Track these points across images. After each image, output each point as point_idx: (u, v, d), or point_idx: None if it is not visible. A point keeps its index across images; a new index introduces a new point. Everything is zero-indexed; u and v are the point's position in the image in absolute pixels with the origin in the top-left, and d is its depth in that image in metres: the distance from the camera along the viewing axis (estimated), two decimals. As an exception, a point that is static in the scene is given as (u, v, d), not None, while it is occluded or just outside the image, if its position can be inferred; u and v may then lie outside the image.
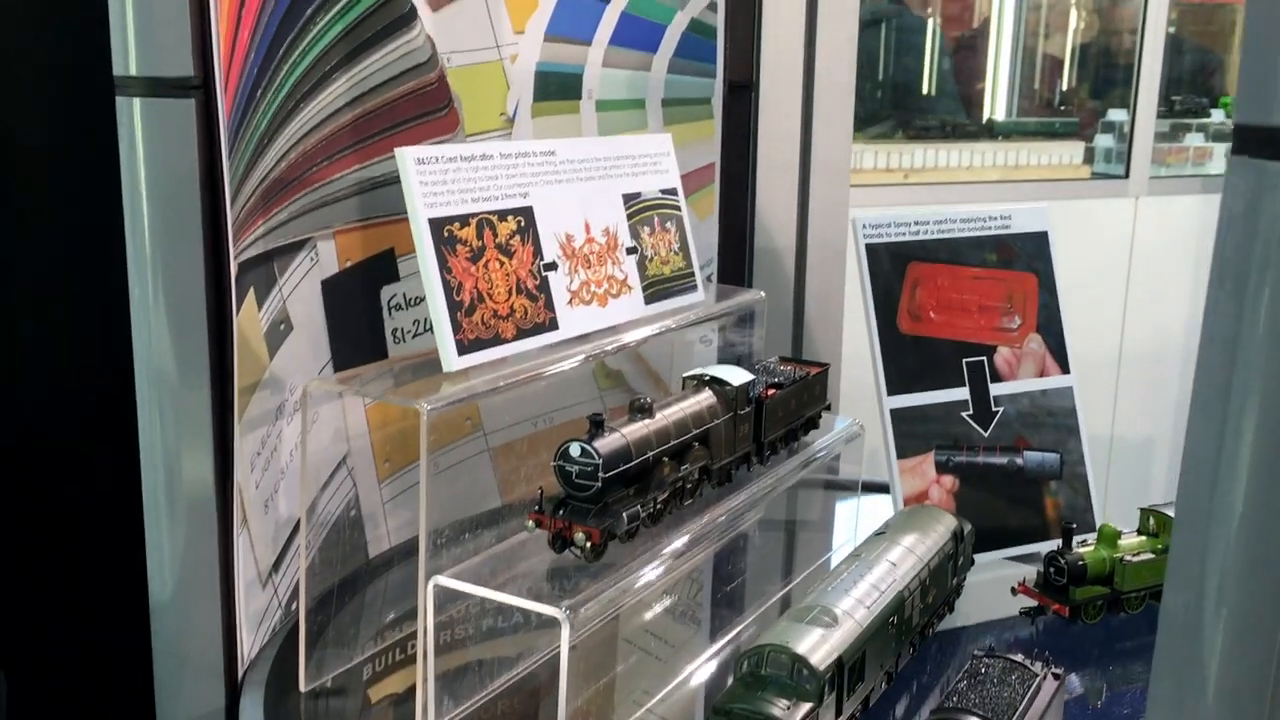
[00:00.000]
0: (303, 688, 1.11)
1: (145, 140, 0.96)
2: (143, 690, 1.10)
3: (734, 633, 1.37)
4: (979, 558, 1.40)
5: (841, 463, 1.51)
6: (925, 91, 4.09)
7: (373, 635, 1.25)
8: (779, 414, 1.29)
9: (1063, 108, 4.40)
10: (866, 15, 3.93)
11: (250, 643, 1.14)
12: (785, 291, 1.71)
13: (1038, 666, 0.99)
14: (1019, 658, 0.99)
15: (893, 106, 3.99)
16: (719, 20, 1.58)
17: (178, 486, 1.04)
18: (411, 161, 1.06)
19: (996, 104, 4.36)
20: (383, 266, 1.33)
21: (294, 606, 1.21)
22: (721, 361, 1.52)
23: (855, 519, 1.52)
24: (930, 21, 4.02)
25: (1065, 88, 4.51)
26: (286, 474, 1.19)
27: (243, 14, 1.06)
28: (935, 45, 4.04)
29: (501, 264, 1.14)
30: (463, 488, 1.39)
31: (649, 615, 1.41)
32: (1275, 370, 0.57)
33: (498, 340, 1.12)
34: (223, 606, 1.08)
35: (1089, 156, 3.95)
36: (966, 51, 4.36)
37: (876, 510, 1.49)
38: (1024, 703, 0.93)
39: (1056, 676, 0.99)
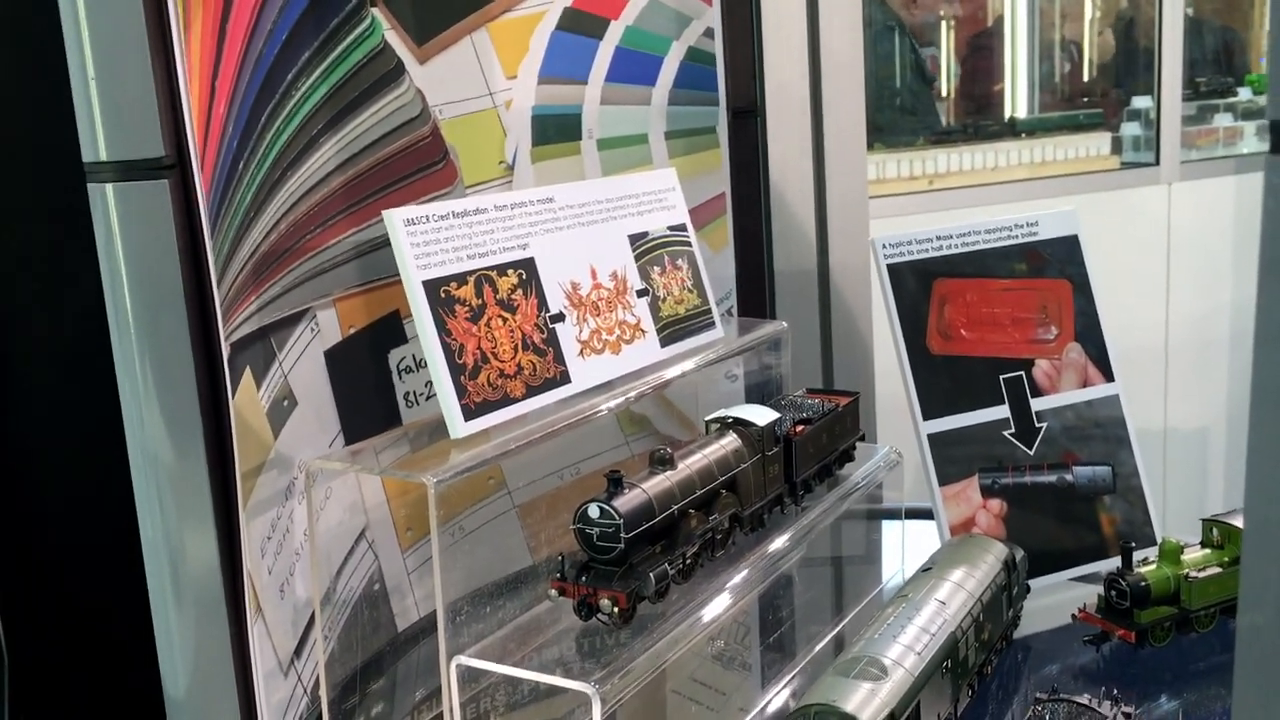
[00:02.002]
0: (332, 779, 1.06)
1: (121, 225, 0.93)
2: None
3: (787, 677, 1.31)
4: (1036, 582, 1.33)
5: (884, 490, 1.45)
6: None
7: (407, 712, 1.20)
8: (810, 450, 1.24)
9: (1085, 99, 4.32)
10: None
11: (275, 735, 1.09)
12: (811, 319, 1.66)
13: (1105, 707, 0.92)
14: (1084, 699, 0.92)
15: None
16: (717, 47, 1.53)
17: (184, 580, 1.00)
18: (400, 223, 1.02)
19: (1017, 101, 4.29)
20: (389, 330, 1.29)
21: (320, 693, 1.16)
22: (749, 396, 1.47)
23: (902, 549, 1.46)
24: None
25: (1086, 79, 4.43)
26: (302, 555, 1.15)
27: (216, 87, 1.02)
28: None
29: (504, 320, 1.09)
30: (490, 550, 1.34)
31: (696, 664, 1.35)
32: None
33: (507, 400, 1.08)
34: (241, 700, 1.03)
35: (1116, 146, 3.87)
36: (983, 51, 4.30)
37: (923, 539, 1.43)
38: (1094, 750, 0.86)
39: (1127, 716, 0.92)
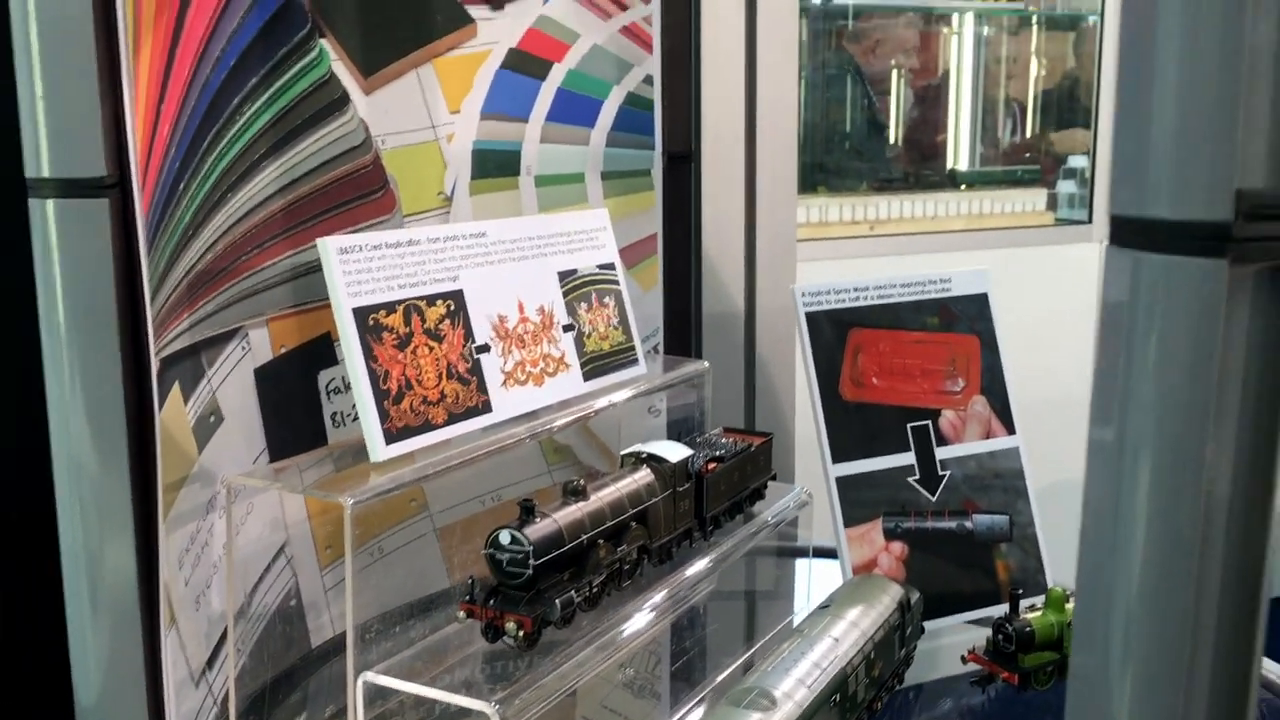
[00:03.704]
0: (236, 789, 1.09)
1: (59, 241, 0.96)
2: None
3: (695, 707, 1.35)
4: (933, 624, 1.38)
5: (799, 529, 1.50)
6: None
7: (317, 727, 1.22)
8: (721, 488, 1.29)
9: (1027, 155, 4.45)
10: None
11: (183, 744, 1.11)
12: (735, 360, 1.71)
13: (978, 743, 0.97)
14: (959, 736, 0.97)
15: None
16: (655, 94, 1.59)
17: (100, 587, 1.02)
18: (334, 252, 1.06)
19: (959, 154, 4.40)
20: (320, 351, 1.32)
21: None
22: (670, 431, 1.52)
23: (808, 587, 1.51)
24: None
25: (1028, 135, 4.56)
26: (220, 568, 1.18)
27: (161, 111, 1.06)
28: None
29: (430, 349, 1.13)
30: (409, 571, 1.38)
31: (607, 691, 1.39)
32: (1163, 439, 0.57)
33: (428, 426, 1.11)
34: (151, 708, 1.06)
35: (1052, 203, 3.99)
36: (931, 102, 4.41)
37: (829, 577, 1.48)
38: (962, 784, 0.91)
39: (998, 752, 0.98)
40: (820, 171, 4.06)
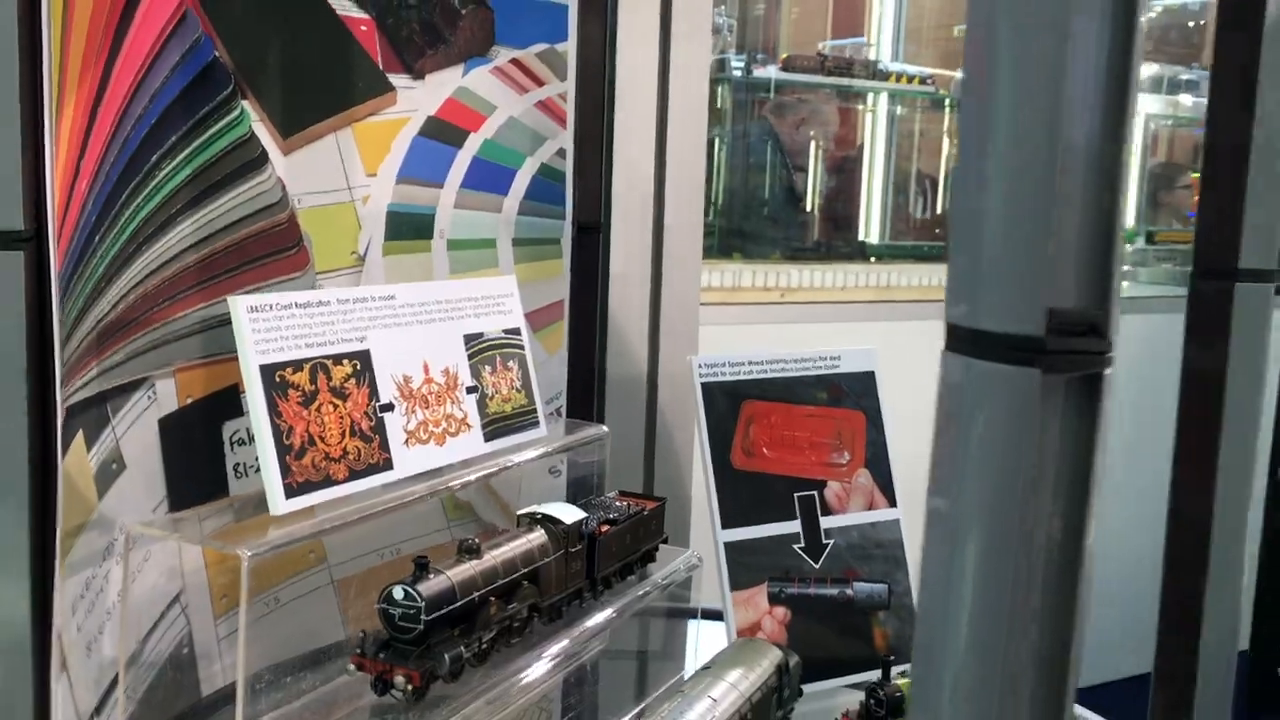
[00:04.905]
0: (118, 836, 1.09)
1: (-28, 291, 0.98)
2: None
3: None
4: (812, 687, 1.44)
5: (691, 591, 1.55)
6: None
7: (203, 777, 1.23)
8: (613, 550, 1.33)
9: (936, 231, 4.61)
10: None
11: (66, 790, 1.11)
12: (636, 425, 1.77)
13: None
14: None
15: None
16: (568, 166, 1.65)
17: (-8, 632, 1.03)
18: (244, 310, 1.09)
19: (870, 227, 4.56)
20: (225, 403, 1.34)
21: (116, 750, 1.19)
22: (569, 491, 1.57)
23: (695, 648, 1.56)
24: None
25: (938, 212, 4.73)
26: (112, 615, 1.19)
27: (82, 164, 1.09)
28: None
29: (335, 407, 1.17)
30: (304, 621, 1.40)
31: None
32: (985, 514, 0.64)
33: (329, 482, 1.15)
34: (36, 755, 1.06)
35: (956, 279, 4.12)
36: (846, 175, 4.56)
37: (716, 638, 1.53)
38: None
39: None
40: (736, 237, 4.17)
